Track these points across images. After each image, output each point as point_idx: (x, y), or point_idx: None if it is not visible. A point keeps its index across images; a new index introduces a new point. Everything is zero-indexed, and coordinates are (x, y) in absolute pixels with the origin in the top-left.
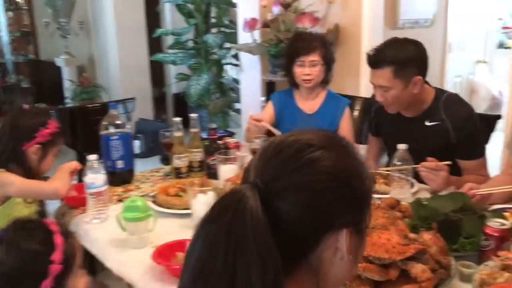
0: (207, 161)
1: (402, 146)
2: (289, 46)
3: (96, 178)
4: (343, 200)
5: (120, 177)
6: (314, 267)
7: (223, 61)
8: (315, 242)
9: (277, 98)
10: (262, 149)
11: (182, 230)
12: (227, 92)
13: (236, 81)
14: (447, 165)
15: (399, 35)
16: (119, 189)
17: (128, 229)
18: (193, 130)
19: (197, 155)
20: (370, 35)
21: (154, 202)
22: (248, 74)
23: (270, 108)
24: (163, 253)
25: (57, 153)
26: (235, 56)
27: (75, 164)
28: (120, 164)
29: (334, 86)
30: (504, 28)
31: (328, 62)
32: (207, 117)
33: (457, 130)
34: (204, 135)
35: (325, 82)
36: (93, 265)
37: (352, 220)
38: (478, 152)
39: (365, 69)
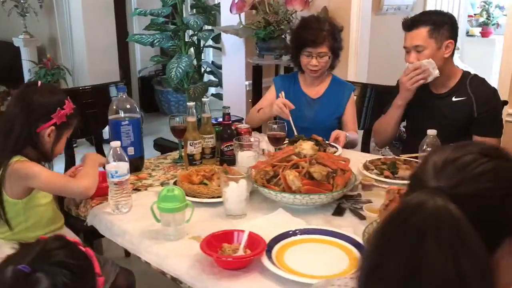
0: (221, 147)
1: (431, 132)
2: (296, 35)
3: (119, 166)
4: None
5: (131, 165)
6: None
7: (203, 44)
8: (492, 248)
9: (281, 82)
10: (432, 156)
11: (214, 220)
12: (205, 76)
13: (215, 64)
14: None
15: (383, 20)
16: (131, 177)
17: (164, 220)
18: (205, 115)
19: (210, 141)
20: (358, 18)
21: None
22: (232, 57)
23: (272, 92)
24: (211, 245)
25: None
26: (215, 39)
27: (103, 158)
28: (130, 151)
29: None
30: (469, 16)
31: (336, 51)
32: (184, 102)
33: (480, 104)
34: (213, 120)
35: (331, 68)
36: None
37: None
38: (495, 130)
39: (353, 53)
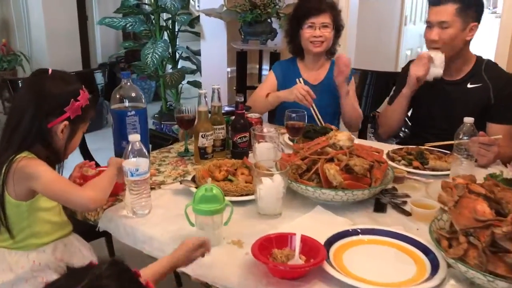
0: (234, 139)
1: (468, 120)
2: (297, 8)
3: (140, 162)
4: None
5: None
6: None
7: (178, 28)
8: None
9: (280, 68)
10: None
11: (248, 220)
12: (179, 62)
13: (190, 50)
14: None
15: (366, 5)
16: None
17: (200, 224)
18: (215, 104)
19: (220, 132)
20: (347, 3)
21: (197, 188)
22: (212, 42)
23: (272, 79)
24: (261, 251)
25: (86, 128)
26: (190, 23)
27: (120, 161)
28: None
29: None
30: None
31: (338, 28)
32: (150, 90)
33: (497, 90)
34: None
35: (331, 53)
36: None
37: None
38: (511, 116)
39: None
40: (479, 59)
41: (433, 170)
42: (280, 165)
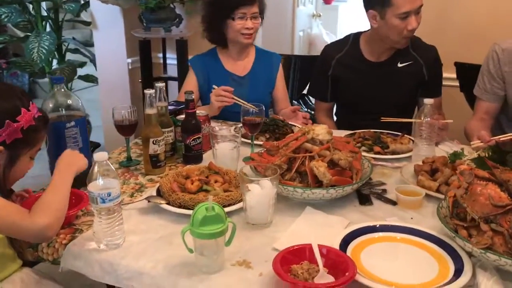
0: (186, 142)
1: (429, 101)
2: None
3: (111, 185)
4: None
5: (79, 178)
6: None
7: (62, 18)
8: None
9: (199, 63)
10: None
11: (239, 233)
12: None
13: (78, 41)
14: None
15: None
16: None
17: (200, 248)
18: (161, 104)
19: (169, 135)
20: None
21: (169, 204)
22: (107, 32)
23: (192, 78)
24: (282, 268)
25: (36, 153)
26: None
27: (83, 159)
28: None
29: None
30: None
31: (263, 14)
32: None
33: (430, 67)
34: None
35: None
36: None
37: None
38: (441, 89)
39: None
40: None
41: (393, 153)
42: (263, 168)
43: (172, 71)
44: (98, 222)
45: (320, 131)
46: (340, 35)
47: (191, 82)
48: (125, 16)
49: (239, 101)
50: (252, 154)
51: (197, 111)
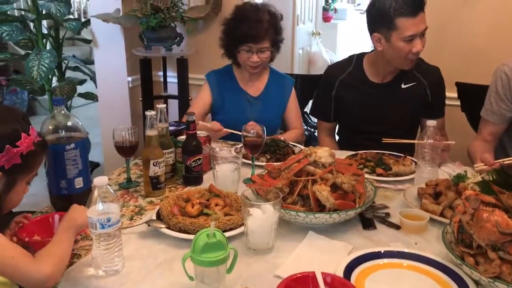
0: (187, 163)
1: (431, 123)
2: (232, 29)
3: (111, 209)
4: None
5: (78, 201)
6: None
7: (62, 36)
8: None
9: (215, 79)
10: None
11: (240, 258)
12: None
13: (78, 59)
14: None
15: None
16: None
17: (201, 276)
18: (162, 125)
19: (170, 156)
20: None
21: (169, 228)
22: (107, 50)
23: (206, 92)
24: None
25: (33, 178)
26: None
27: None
28: (78, 183)
29: (219, 63)
30: None
31: (277, 44)
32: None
33: (433, 88)
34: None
35: (270, 60)
36: None
37: None
38: (444, 109)
39: None
40: None
41: (396, 175)
42: (264, 191)
43: (172, 89)
44: (97, 248)
45: (323, 153)
46: (339, 53)
47: (205, 96)
48: (125, 35)
49: (233, 132)
50: (253, 176)
51: (198, 132)
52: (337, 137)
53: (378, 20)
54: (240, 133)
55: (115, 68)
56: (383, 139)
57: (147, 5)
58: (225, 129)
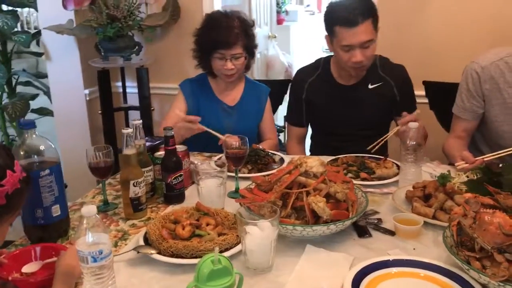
0: (168, 180)
1: (413, 125)
2: (203, 36)
3: (101, 240)
4: None
5: (56, 230)
6: None
7: (10, 50)
8: None
9: (190, 88)
10: None
11: (244, 280)
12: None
13: (30, 73)
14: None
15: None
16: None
17: None
18: (138, 142)
19: (149, 175)
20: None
21: (160, 253)
22: (61, 63)
23: (181, 100)
24: None
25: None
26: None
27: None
28: (55, 211)
29: (180, 71)
30: None
31: (251, 50)
32: None
33: (400, 87)
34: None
35: (246, 68)
36: None
37: None
38: (415, 104)
39: None
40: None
41: (380, 179)
42: (257, 206)
43: (133, 100)
44: (88, 282)
45: (313, 163)
46: (294, 55)
47: (180, 105)
48: (80, 46)
49: (208, 130)
50: (241, 190)
51: (178, 147)
52: (310, 142)
53: (325, 23)
54: (217, 134)
55: (70, 81)
56: (367, 148)
57: (103, 14)
58: (200, 125)
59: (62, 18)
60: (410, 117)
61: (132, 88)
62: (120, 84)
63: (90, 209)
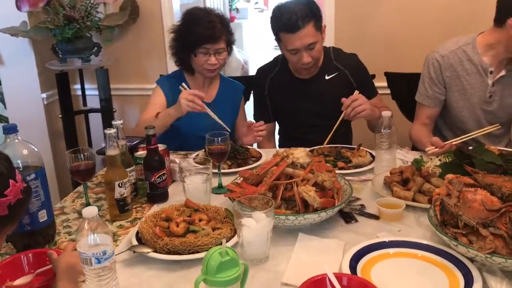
0: (151, 180)
1: (387, 113)
2: (185, 33)
3: (104, 241)
4: None
5: (43, 236)
6: None
7: None
8: None
9: (168, 84)
10: None
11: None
12: None
13: None
14: None
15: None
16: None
17: None
18: (120, 142)
19: (132, 175)
20: (170, 11)
21: (156, 251)
22: (15, 67)
23: (160, 96)
24: None
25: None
26: None
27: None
28: (42, 216)
29: (140, 71)
30: None
31: (231, 46)
32: None
33: (355, 74)
34: None
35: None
36: None
37: None
38: (374, 89)
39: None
40: (325, 49)
41: (356, 167)
42: (247, 199)
43: (93, 102)
44: (91, 284)
45: (300, 154)
46: (248, 51)
47: (160, 99)
48: (35, 48)
49: (210, 113)
50: (229, 185)
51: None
52: (278, 137)
53: (271, 29)
54: (221, 122)
55: (26, 85)
56: (324, 145)
57: (60, 15)
58: (204, 105)
59: (14, 20)
60: (351, 98)
61: (92, 90)
62: (79, 86)
63: (91, 211)
